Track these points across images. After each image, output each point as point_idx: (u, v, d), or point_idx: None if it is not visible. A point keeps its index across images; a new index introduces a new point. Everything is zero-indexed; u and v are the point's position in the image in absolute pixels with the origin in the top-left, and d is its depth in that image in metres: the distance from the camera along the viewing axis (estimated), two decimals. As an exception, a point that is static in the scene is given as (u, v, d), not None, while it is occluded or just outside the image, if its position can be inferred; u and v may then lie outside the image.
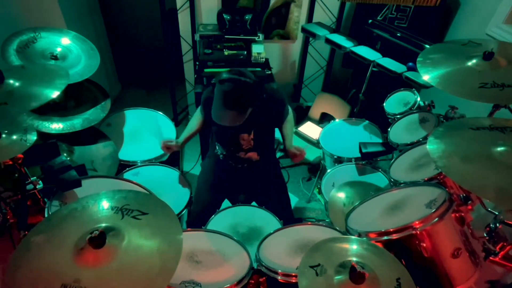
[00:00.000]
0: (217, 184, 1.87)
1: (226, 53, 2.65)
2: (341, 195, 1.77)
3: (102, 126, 2.08)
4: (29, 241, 0.97)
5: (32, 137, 1.27)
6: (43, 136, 1.61)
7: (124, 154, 1.97)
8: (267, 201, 1.79)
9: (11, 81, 1.45)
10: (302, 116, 3.03)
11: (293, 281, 1.23)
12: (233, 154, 1.78)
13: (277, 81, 2.84)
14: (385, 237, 1.16)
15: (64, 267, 0.89)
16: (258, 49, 2.68)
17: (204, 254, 1.34)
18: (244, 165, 1.80)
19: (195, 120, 1.86)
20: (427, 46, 2.26)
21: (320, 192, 1.92)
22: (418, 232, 1.12)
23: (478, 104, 1.26)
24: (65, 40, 1.88)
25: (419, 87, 2.16)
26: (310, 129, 2.83)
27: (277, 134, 1.89)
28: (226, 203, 1.91)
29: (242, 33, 2.68)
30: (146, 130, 2.15)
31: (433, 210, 1.12)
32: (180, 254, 0.93)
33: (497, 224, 1.16)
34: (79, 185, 1.42)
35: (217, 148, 1.82)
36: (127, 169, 1.89)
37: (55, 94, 1.45)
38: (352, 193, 1.77)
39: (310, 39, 3.06)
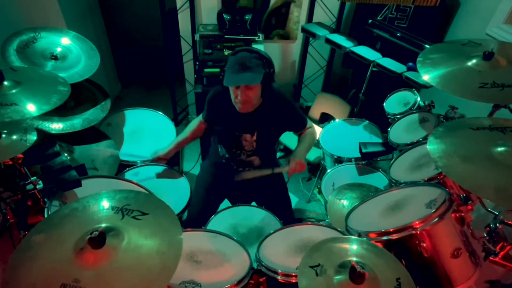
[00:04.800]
0: (217, 184, 1.87)
1: (226, 53, 2.65)
2: (341, 198, 1.77)
3: (102, 126, 2.08)
4: (29, 240, 0.97)
5: (32, 137, 1.27)
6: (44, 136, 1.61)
7: (124, 154, 1.97)
8: (267, 201, 1.79)
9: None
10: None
11: (293, 281, 1.23)
12: (234, 157, 1.77)
13: (277, 81, 2.82)
14: (385, 237, 1.16)
15: (64, 266, 0.89)
16: (258, 49, 2.68)
17: (204, 254, 1.34)
18: (245, 168, 1.80)
19: (193, 125, 1.87)
20: (427, 46, 2.26)
21: (320, 192, 1.92)
22: (418, 232, 1.12)
23: (478, 104, 1.26)
24: (65, 40, 1.88)
25: (419, 87, 2.16)
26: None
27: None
28: (226, 203, 1.91)
29: (242, 33, 2.68)
30: (146, 130, 2.16)
31: (433, 210, 1.12)
32: (180, 254, 0.93)
33: (497, 224, 1.16)
34: (79, 185, 1.42)
35: (219, 150, 1.82)
36: (127, 169, 1.89)
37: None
38: (352, 196, 1.77)
39: (310, 39, 3.06)
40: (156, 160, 1.86)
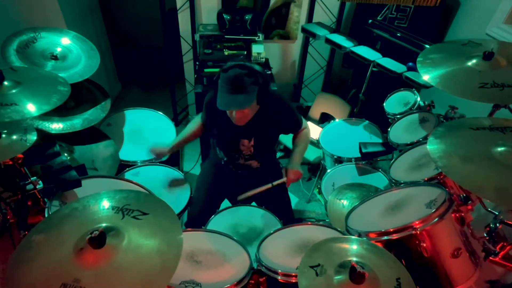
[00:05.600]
0: (216, 185, 1.87)
1: (226, 53, 2.65)
2: (341, 198, 1.77)
3: (102, 126, 2.08)
4: (29, 240, 0.97)
5: (32, 137, 1.27)
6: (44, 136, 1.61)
7: (124, 154, 1.97)
8: (267, 201, 1.78)
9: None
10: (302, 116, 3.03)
11: (293, 281, 1.23)
12: (233, 160, 1.77)
13: (277, 81, 2.84)
14: (385, 237, 1.16)
15: (64, 266, 0.89)
16: (258, 49, 2.68)
17: (204, 254, 1.34)
18: (244, 170, 1.80)
19: (193, 125, 1.85)
20: (427, 46, 2.26)
21: (320, 192, 1.92)
22: (418, 232, 1.12)
23: (478, 104, 1.26)
24: (65, 40, 1.88)
25: (419, 87, 2.16)
26: (310, 129, 2.84)
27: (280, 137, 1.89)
28: (226, 203, 1.91)
29: (242, 33, 2.68)
30: (146, 130, 2.16)
31: (433, 210, 1.12)
32: (180, 254, 0.93)
33: (497, 224, 1.16)
34: (79, 185, 1.42)
35: (218, 152, 1.81)
36: (127, 169, 1.89)
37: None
38: (352, 196, 1.77)
39: (310, 39, 3.06)
40: (154, 155, 1.84)
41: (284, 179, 1.68)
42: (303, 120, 1.80)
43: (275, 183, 1.67)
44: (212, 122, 1.76)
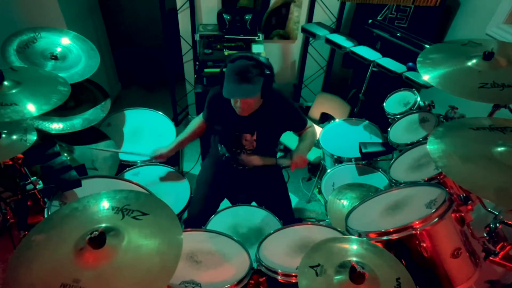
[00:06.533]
0: (217, 184, 1.87)
1: (226, 53, 2.65)
2: (341, 198, 1.77)
3: (102, 126, 2.08)
4: (29, 240, 0.97)
5: (32, 137, 1.27)
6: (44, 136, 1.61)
7: (124, 154, 1.97)
8: (267, 201, 1.79)
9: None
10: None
11: (293, 281, 1.23)
12: (234, 156, 1.77)
13: (277, 81, 2.85)
14: (385, 237, 1.16)
15: (64, 266, 0.89)
16: (258, 49, 2.67)
17: (204, 254, 1.34)
18: (245, 167, 1.80)
19: (193, 124, 1.87)
20: (427, 46, 2.26)
21: (320, 192, 1.92)
22: (418, 232, 1.12)
23: (478, 104, 1.26)
24: (65, 40, 1.88)
25: (419, 87, 2.16)
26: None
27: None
28: (226, 203, 1.91)
29: (242, 33, 2.68)
30: (146, 130, 2.16)
31: (433, 210, 1.12)
32: (180, 254, 0.93)
33: (497, 224, 1.16)
34: (79, 185, 1.42)
35: (219, 149, 1.82)
36: (127, 169, 1.89)
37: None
38: (352, 196, 1.77)
39: (310, 39, 3.06)
40: (156, 158, 1.83)
41: (288, 162, 1.65)
42: (308, 120, 1.82)
43: (279, 161, 1.65)
44: (214, 118, 1.78)
